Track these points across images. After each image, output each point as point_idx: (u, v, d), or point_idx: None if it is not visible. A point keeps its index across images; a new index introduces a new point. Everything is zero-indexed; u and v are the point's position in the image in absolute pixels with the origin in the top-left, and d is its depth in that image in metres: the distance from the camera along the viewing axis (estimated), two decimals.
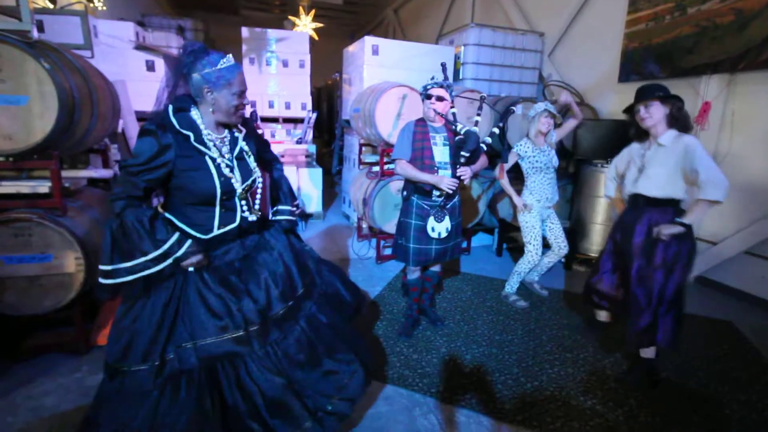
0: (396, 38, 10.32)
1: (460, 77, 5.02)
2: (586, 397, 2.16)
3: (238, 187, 1.53)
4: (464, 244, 4.38)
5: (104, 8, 5.28)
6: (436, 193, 2.44)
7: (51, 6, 4.45)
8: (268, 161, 1.83)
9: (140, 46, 4.04)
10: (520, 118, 4.10)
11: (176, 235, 1.42)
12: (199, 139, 1.45)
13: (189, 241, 1.44)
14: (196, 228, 1.50)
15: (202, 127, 1.47)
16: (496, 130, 2.52)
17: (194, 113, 1.47)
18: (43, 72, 1.89)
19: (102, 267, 1.37)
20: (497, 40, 5.00)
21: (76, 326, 2.26)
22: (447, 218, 2.47)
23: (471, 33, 4.88)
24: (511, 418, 1.99)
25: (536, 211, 3.11)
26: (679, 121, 2.13)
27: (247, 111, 4.55)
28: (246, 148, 1.61)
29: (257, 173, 1.64)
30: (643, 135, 2.28)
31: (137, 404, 1.38)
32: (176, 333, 1.44)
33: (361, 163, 4.51)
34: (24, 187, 2.07)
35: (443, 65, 2.69)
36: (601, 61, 4.64)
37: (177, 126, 1.41)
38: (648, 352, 2.24)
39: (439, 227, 2.46)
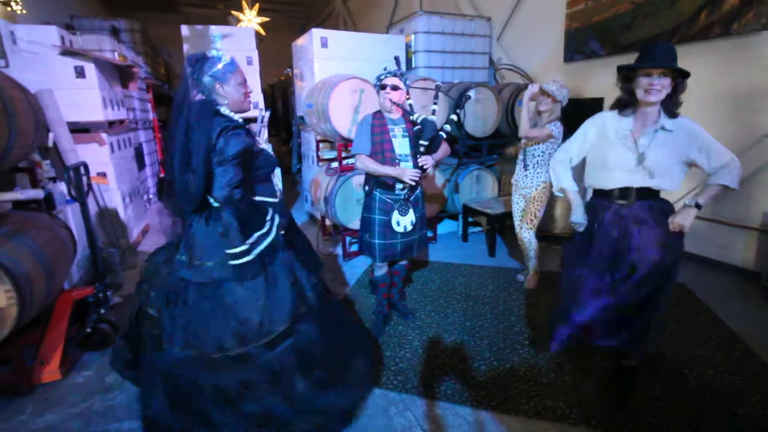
0: (347, 29, 10.13)
1: (413, 66, 4.98)
2: (557, 373, 2.21)
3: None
4: (430, 233, 4.39)
5: (24, 12, 4.82)
6: (399, 186, 2.40)
7: None
8: None
9: (67, 51, 3.71)
10: (474, 104, 4.12)
11: (270, 208, 1.75)
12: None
13: (271, 210, 1.76)
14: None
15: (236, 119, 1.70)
16: (455, 117, 2.50)
17: (224, 110, 1.67)
18: None
19: (234, 250, 1.62)
20: (446, 27, 4.99)
21: (15, 365, 2.06)
22: (411, 211, 2.43)
23: (419, 21, 4.84)
24: (486, 404, 2.00)
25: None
26: (674, 107, 1.80)
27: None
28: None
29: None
30: (628, 105, 1.87)
31: None
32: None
33: (319, 160, 4.40)
34: None
35: (396, 58, 2.63)
36: (547, 42, 4.73)
37: (238, 120, 1.67)
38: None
39: (404, 221, 2.43)
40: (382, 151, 2.36)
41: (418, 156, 2.30)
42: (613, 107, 1.95)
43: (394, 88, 2.32)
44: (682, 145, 1.81)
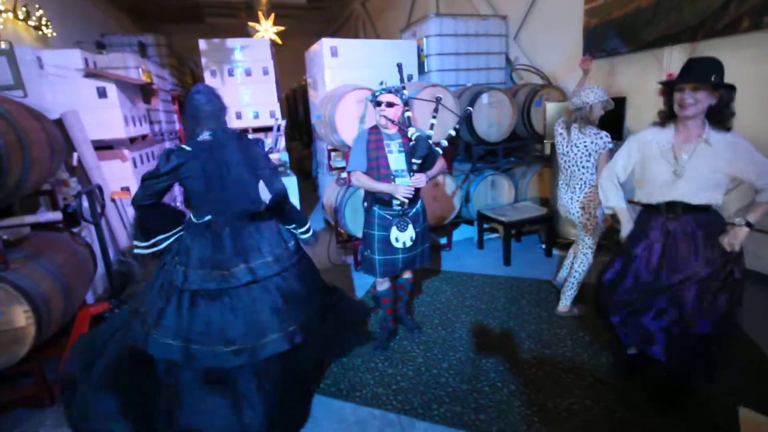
0: (366, 32, 10.12)
1: (426, 70, 4.91)
2: (564, 398, 2.12)
3: None
4: (444, 240, 4.32)
5: (54, 34, 5.11)
6: (396, 201, 2.37)
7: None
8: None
9: (90, 73, 3.90)
10: (487, 108, 4.01)
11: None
12: None
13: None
14: None
15: None
16: (453, 132, 2.45)
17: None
18: None
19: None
20: (459, 28, 4.88)
21: (36, 379, 2.19)
22: (410, 227, 2.40)
23: (431, 24, 4.75)
24: (485, 429, 1.95)
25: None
26: (722, 119, 1.78)
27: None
28: None
29: None
30: (669, 119, 1.91)
31: None
32: None
33: (331, 168, 4.42)
34: None
35: (399, 66, 2.60)
36: (566, 40, 4.54)
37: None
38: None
39: (403, 236, 2.39)
40: (377, 167, 2.34)
41: (412, 174, 2.26)
42: (654, 123, 1.98)
43: (389, 104, 2.29)
44: (723, 161, 1.79)
